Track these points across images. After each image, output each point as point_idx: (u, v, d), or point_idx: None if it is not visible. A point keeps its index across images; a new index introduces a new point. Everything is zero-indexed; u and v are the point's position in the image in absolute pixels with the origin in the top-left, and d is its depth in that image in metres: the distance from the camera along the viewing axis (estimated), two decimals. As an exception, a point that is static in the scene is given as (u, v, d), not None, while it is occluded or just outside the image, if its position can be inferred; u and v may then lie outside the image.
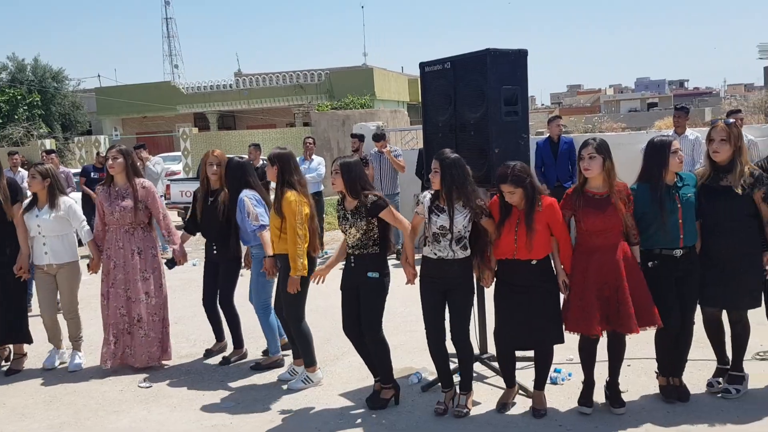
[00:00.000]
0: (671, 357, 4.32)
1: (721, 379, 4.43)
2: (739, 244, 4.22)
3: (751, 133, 8.68)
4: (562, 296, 4.28)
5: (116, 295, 5.41)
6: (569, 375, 4.80)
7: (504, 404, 4.39)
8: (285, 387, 4.97)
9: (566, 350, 4.75)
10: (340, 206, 4.56)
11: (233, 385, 5.10)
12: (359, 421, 4.35)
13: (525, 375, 4.66)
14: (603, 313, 4.05)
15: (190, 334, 6.20)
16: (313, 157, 10.37)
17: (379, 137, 9.67)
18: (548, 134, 9.47)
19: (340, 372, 5.20)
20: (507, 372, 4.45)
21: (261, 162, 9.93)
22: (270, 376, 5.21)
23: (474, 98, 4.85)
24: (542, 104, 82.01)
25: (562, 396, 4.51)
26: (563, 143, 9.10)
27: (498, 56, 4.73)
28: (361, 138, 10.11)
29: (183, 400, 4.86)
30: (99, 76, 69.22)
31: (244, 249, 5.54)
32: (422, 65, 5.30)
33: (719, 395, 4.34)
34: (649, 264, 4.19)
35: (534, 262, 4.17)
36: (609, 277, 4.04)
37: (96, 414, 4.66)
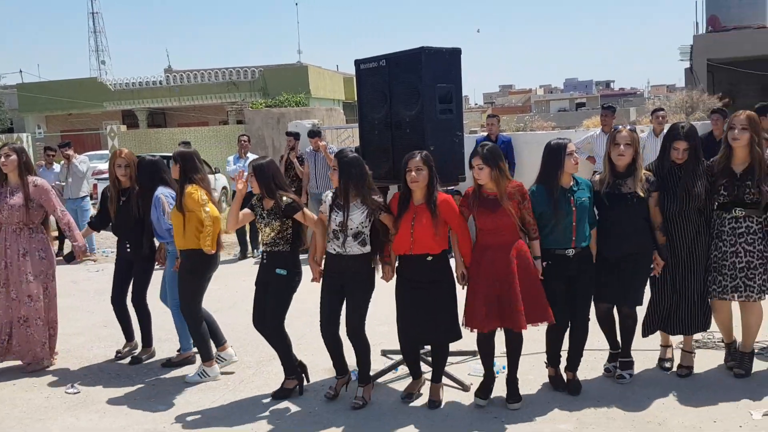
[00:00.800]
0: (557, 350, 4.51)
1: (615, 364, 4.67)
2: (633, 246, 4.41)
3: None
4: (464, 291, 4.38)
5: (5, 294, 5.36)
6: (503, 368, 4.89)
7: (409, 394, 4.52)
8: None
9: (500, 344, 4.83)
10: (258, 205, 4.66)
11: (163, 387, 4.98)
12: (287, 414, 4.33)
13: (460, 369, 4.74)
14: (494, 310, 4.14)
15: (120, 337, 6.01)
16: (249, 155, 10.23)
17: (314, 134, 9.62)
18: (486, 132, 9.63)
19: (277, 371, 5.14)
20: (411, 365, 4.56)
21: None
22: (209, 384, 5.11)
23: (409, 96, 4.87)
24: (476, 104, 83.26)
25: (499, 387, 4.58)
26: (501, 141, 9.27)
27: (432, 54, 4.77)
28: (296, 136, 10.03)
29: (112, 405, 4.70)
30: (21, 71, 66.21)
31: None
32: (357, 62, 5.29)
33: (617, 380, 4.57)
34: (543, 264, 4.32)
35: (430, 257, 4.27)
36: (500, 274, 4.13)
37: (21, 423, 4.46)
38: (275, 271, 4.58)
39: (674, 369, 4.74)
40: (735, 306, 4.67)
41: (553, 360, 4.56)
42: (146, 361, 5.51)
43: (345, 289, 4.44)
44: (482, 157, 4.16)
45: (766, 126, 5.81)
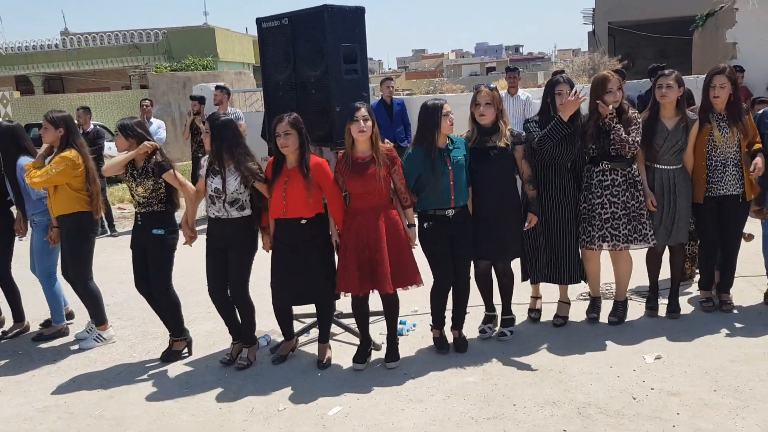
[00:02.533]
0: (442, 311, 4.55)
1: (491, 325, 4.77)
2: (503, 201, 4.49)
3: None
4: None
5: None
6: (414, 326, 4.98)
7: (282, 357, 4.58)
8: (76, 347, 5.05)
9: (411, 302, 4.92)
10: (130, 165, 4.59)
11: (64, 362, 4.79)
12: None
13: (375, 328, 4.77)
14: (366, 273, 4.17)
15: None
16: (152, 120, 9.83)
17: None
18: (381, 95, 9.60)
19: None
20: (283, 326, 4.60)
21: (91, 126, 9.26)
22: (104, 351, 4.95)
23: (313, 56, 4.78)
24: (389, 68, 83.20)
25: (407, 346, 4.67)
26: (396, 104, 9.29)
27: (336, 13, 4.68)
28: (201, 100, 9.70)
29: (10, 382, 4.49)
30: None
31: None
32: (259, 21, 5.13)
33: (499, 338, 4.69)
34: (425, 225, 4.38)
35: (303, 221, 4.28)
36: (369, 238, 4.16)
37: None
38: (151, 231, 4.54)
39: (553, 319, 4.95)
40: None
41: (438, 322, 4.59)
42: (18, 336, 5.37)
43: (228, 253, 4.42)
44: (367, 110, 4.17)
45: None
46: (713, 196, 4.77)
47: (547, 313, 5.04)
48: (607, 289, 5.41)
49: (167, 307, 4.67)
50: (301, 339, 4.89)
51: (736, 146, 4.73)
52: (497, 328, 4.78)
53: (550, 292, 5.10)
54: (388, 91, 9.40)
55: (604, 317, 4.94)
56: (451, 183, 4.28)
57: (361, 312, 4.42)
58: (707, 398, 3.70)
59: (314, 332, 4.96)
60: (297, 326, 5.01)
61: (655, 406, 3.64)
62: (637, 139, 4.57)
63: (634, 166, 4.67)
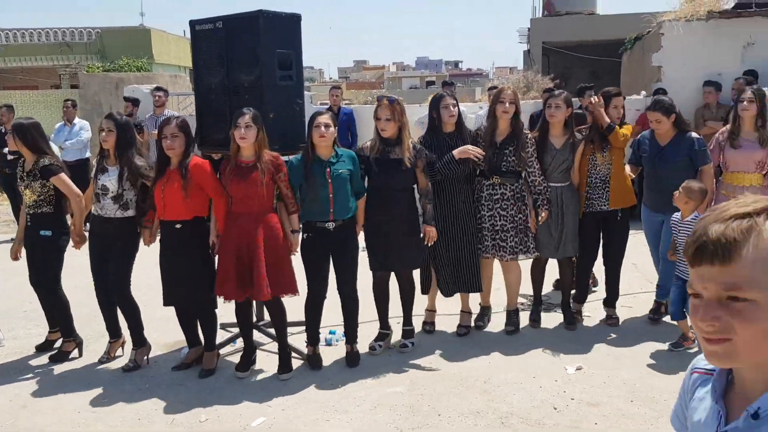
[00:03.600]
0: (316, 326, 4.52)
1: (381, 343, 4.72)
2: (403, 211, 4.52)
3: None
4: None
5: None
6: (343, 336, 4.95)
7: (185, 365, 4.51)
8: None
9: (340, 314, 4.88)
10: (19, 168, 4.64)
11: (-23, 371, 4.55)
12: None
13: (299, 338, 4.74)
14: (246, 279, 4.14)
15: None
16: (76, 121, 9.51)
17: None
18: (329, 104, 9.60)
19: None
20: (184, 331, 4.56)
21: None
22: (13, 355, 4.73)
23: (247, 60, 4.72)
24: (330, 77, 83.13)
25: (335, 356, 4.64)
26: (343, 113, 9.28)
27: (271, 18, 4.65)
28: (134, 102, 9.47)
29: None
30: None
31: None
32: (192, 23, 5.03)
33: (399, 350, 4.68)
34: (304, 236, 4.39)
35: (179, 224, 4.25)
36: (248, 244, 4.13)
37: None
38: (39, 232, 4.53)
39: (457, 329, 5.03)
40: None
41: (310, 337, 4.53)
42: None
43: (108, 252, 4.46)
44: (251, 118, 4.13)
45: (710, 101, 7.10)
46: (592, 212, 4.95)
47: (497, 324, 5.11)
48: (525, 300, 5.52)
49: (55, 307, 4.69)
50: (226, 349, 4.80)
51: (609, 166, 4.93)
52: (402, 339, 4.75)
53: (497, 303, 5.17)
54: (334, 99, 9.42)
55: (522, 325, 5.04)
56: (331, 196, 4.26)
57: (243, 319, 4.38)
58: (624, 409, 3.81)
59: (240, 342, 4.87)
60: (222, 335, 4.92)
61: (574, 417, 3.73)
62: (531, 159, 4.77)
63: (521, 181, 4.81)
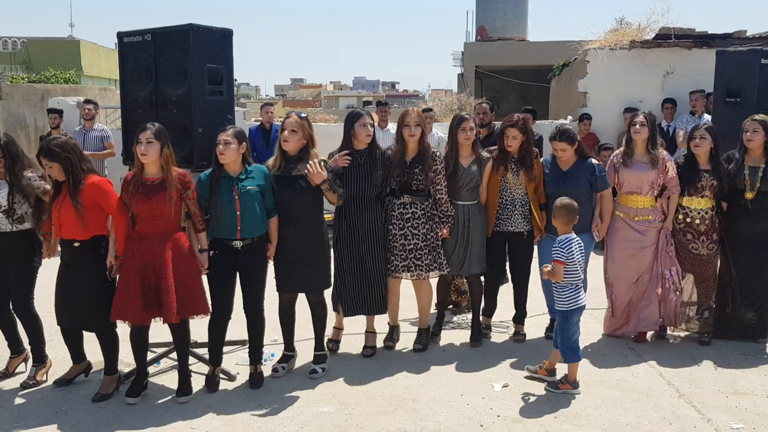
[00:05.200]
0: (218, 345, 4.43)
1: (285, 365, 4.61)
2: (310, 231, 4.45)
3: (441, 130, 9.68)
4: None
5: None
6: (272, 355, 4.87)
7: (66, 380, 4.41)
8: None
9: (271, 331, 4.81)
10: None
11: None
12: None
13: (228, 359, 4.64)
14: (149, 301, 4.02)
15: None
16: (-7, 132, 9.13)
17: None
18: (261, 120, 9.55)
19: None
20: (70, 348, 4.43)
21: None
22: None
23: (176, 74, 4.67)
24: (266, 95, 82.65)
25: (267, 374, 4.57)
26: (275, 130, 9.23)
27: (202, 32, 4.62)
28: (60, 113, 9.15)
29: None
30: None
31: None
32: (120, 35, 4.95)
33: (309, 375, 4.51)
34: (211, 253, 4.28)
35: (77, 243, 4.14)
36: (154, 264, 4.01)
37: None
38: None
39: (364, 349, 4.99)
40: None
41: (212, 357, 4.43)
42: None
43: (8, 267, 4.36)
44: (153, 134, 4.03)
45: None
46: (501, 231, 5.08)
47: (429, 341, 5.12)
48: (463, 320, 5.59)
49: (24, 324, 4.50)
50: (151, 369, 4.64)
51: (525, 189, 5.06)
52: (315, 366, 4.60)
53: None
54: (267, 116, 9.36)
55: (449, 342, 5.09)
56: (238, 213, 4.18)
57: (139, 341, 4.20)
58: (548, 425, 3.88)
59: (164, 362, 4.74)
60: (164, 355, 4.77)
61: (500, 433, 3.77)
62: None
63: (436, 197, 4.86)
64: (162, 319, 4.04)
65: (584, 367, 4.70)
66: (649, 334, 5.30)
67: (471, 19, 22.31)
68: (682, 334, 5.33)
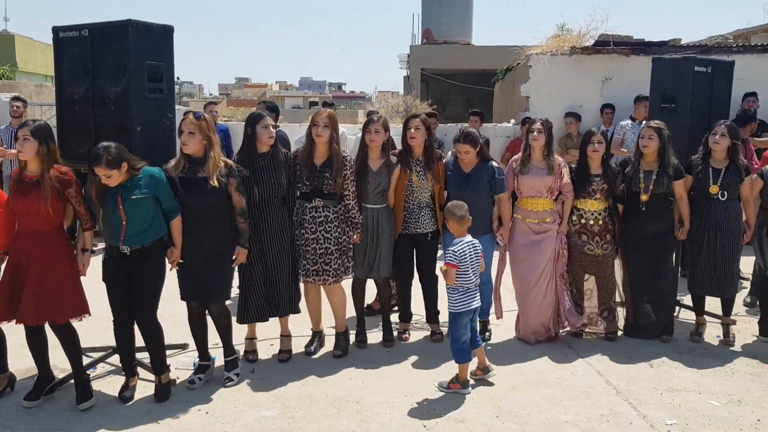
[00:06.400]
0: (125, 355, 4.29)
1: (202, 376, 4.43)
2: (215, 236, 4.31)
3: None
4: None
5: None
6: (213, 358, 4.77)
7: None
8: None
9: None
10: None
11: None
12: None
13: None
14: (12, 301, 3.94)
15: None
16: None
17: None
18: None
19: None
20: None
21: None
22: None
23: (114, 71, 4.52)
24: (210, 93, 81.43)
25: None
26: (218, 130, 9.09)
27: (141, 29, 4.50)
28: (-10, 110, 8.79)
29: None
30: None
31: None
32: (56, 30, 4.76)
33: (224, 384, 4.38)
34: (104, 257, 4.18)
35: None
36: (26, 264, 3.94)
37: None
38: None
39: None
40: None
41: (124, 366, 4.27)
42: None
43: None
44: (30, 130, 3.94)
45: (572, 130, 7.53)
46: (409, 233, 5.10)
47: (371, 342, 5.10)
48: (415, 323, 5.58)
49: None
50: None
51: (431, 190, 5.13)
52: (228, 373, 4.46)
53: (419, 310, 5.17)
54: (210, 115, 9.20)
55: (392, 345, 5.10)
56: (124, 223, 4.00)
57: (32, 343, 4.07)
58: (490, 424, 3.93)
59: (101, 367, 4.61)
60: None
61: (443, 433, 3.80)
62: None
63: (344, 203, 4.79)
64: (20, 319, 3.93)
65: (525, 366, 4.79)
66: (563, 332, 5.40)
67: (417, 22, 22.47)
68: (597, 331, 5.42)
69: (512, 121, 10.70)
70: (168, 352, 4.64)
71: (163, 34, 4.66)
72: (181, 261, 4.26)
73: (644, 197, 5.18)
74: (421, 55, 20.47)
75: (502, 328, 5.53)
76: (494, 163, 5.21)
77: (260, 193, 4.58)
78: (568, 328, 5.40)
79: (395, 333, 5.33)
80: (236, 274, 4.70)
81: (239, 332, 4.74)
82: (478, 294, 4.47)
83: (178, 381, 4.42)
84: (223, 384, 4.40)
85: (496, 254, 5.35)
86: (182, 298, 4.42)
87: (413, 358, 4.90)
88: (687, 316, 5.76)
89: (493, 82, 14.32)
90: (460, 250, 4.33)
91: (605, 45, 10.10)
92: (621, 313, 5.47)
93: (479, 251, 4.46)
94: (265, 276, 4.68)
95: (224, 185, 4.28)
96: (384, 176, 4.99)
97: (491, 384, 4.46)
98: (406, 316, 5.38)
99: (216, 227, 4.32)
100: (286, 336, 4.95)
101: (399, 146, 5.25)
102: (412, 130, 5.01)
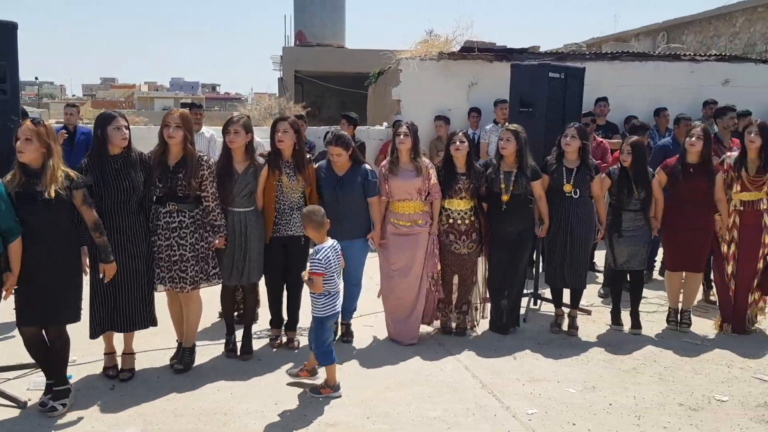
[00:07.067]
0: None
1: (66, 401, 4.07)
2: (54, 254, 3.97)
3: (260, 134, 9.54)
4: None
5: None
6: (69, 377, 4.47)
7: None
8: None
9: (73, 351, 4.42)
10: None
11: None
12: None
13: (19, 384, 4.20)
14: None
15: None
16: None
17: None
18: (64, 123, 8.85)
19: None
20: None
21: None
22: None
23: (-53, 70, 4.16)
24: (73, 94, 76.92)
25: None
26: (80, 133, 8.65)
27: (-22, 24, 4.16)
28: None
29: None
30: None
31: None
32: None
33: (49, 414, 3.98)
34: None
35: None
36: None
37: None
38: None
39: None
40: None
41: None
42: None
43: None
44: None
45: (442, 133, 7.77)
46: (280, 236, 4.98)
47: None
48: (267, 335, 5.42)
49: None
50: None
51: (301, 192, 5.03)
52: (53, 402, 4.03)
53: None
54: (69, 118, 8.68)
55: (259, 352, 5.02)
56: None
57: None
58: (360, 426, 3.95)
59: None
60: None
61: (313, 439, 3.77)
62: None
63: (203, 206, 4.61)
64: None
65: (398, 366, 4.86)
66: (428, 329, 5.53)
67: (289, 23, 22.30)
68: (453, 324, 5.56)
69: (385, 124, 10.86)
70: (18, 372, 4.34)
71: (6, 31, 4.36)
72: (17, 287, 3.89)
73: (505, 197, 5.41)
74: (294, 57, 20.35)
75: (376, 329, 5.58)
76: (367, 166, 5.25)
77: (111, 197, 4.29)
78: (438, 326, 5.54)
79: (283, 340, 5.22)
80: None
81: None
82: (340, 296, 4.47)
83: (29, 403, 4.10)
84: (47, 413, 3.97)
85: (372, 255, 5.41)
86: (18, 324, 4.01)
87: (287, 366, 4.81)
88: (549, 308, 6.07)
89: (367, 85, 14.48)
90: (324, 257, 4.32)
91: (470, 51, 10.47)
92: (480, 309, 5.69)
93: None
94: (114, 286, 4.34)
95: (66, 198, 3.94)
96: (251, 178, 4.85)
97: (363, 386, 4.48)
98: (277, 323, 5.26)
99: (57, 245, 3.97)
100: (128, 354, 4.61)
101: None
102: (280, 133, 4.94)
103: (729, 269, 5.61)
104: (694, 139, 5.55)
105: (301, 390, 4.41)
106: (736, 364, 5.00)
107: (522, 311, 5.87)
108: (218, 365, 4.85)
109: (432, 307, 5.44)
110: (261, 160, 4.97)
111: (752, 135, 5.46)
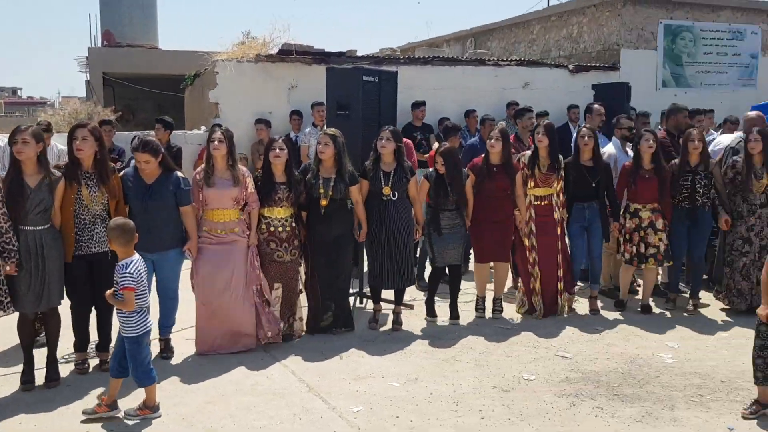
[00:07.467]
0: None
1: None
2: None
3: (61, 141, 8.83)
4: None
5: None
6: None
7: None
8: None
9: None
10: None
11: None
12: None
13: None
14: None
15: None
16: None
17: None
18: None
19: None
20: None
21: None
22: None
23: None
24: None
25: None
26: None
27: None
28: None
29: None
30: None
31: None
32: None
33: None
34: None
35: None
36: None
37: None
38: None
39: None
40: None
41: None
42: None
43: None
44: None
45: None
46: (83, 254, 4.61)
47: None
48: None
49: None
50: None
51: (104, 204, 4.70)
52: None
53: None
54: None
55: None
56: None
57: None
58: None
59: None
60: None
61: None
62: None
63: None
64: None
65: (220, 378, 4.71)
66: (264, 341, 5.34)
67: (96, 22, 20.88)
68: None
69: (203, 128, 10.51)
70: None
71: None
72: None
73: (324, 202, 5.44)
74: (101, 58, 19.09)
75: (191, 342, 5.30)
76: (179, 174, 5.01)
77: None
78: (270, 337, 5.30)
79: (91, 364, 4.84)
80: None
81: None
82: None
83: None
84: None
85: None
86: None
87: (97, 391, 4.46)
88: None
89: (183, 88, 13.94)
90: (136, 271, 4.06)
91: (288, 54, 10.44)
92: (305, 318, 5.67)
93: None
94: None
95: None
96: (45, 193, 4.42)
97: (185, 403, 4.29)
98: (105, 344, 4.85)
99: None
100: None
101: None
102: (78, 141, 4.55)
103: (530, 258, 6.10)
104: (493, 141, 5.97)
105: (118, 414, 4.12)
106: (541, 344, 5.44)
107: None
108: (20, 397, 4.41)
109: (264, 318, 5.25)
110: (57, 173, 4.55)
111: (540, 135, 6.00)
